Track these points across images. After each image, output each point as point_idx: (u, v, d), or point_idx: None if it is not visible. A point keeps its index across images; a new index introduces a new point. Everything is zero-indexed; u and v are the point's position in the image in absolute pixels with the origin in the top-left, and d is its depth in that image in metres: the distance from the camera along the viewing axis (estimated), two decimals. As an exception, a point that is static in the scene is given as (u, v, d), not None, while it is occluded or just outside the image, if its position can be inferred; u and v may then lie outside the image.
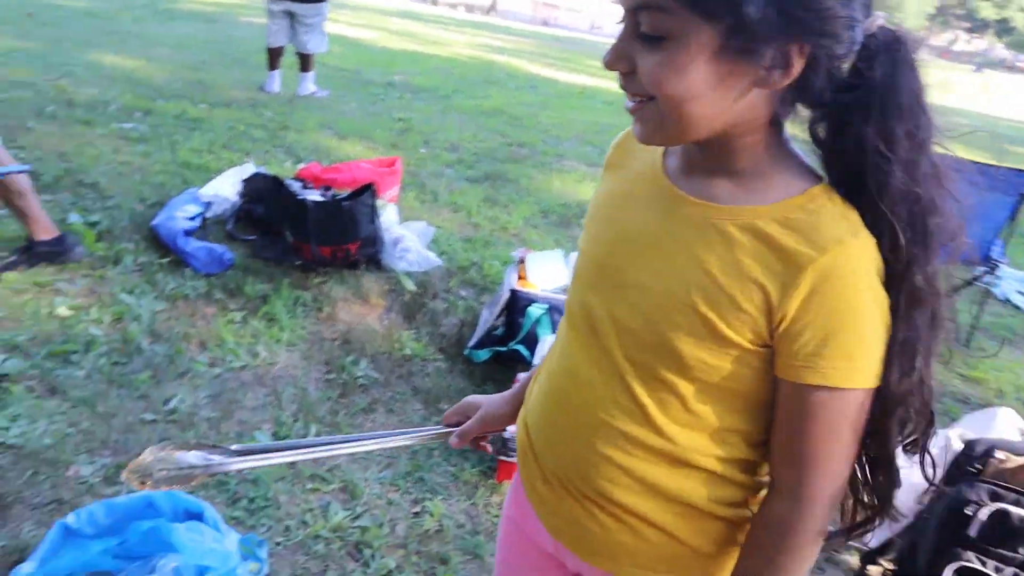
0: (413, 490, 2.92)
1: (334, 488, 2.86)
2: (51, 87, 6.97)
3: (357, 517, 2.74)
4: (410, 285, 4.31)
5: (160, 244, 4.32)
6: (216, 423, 3.05)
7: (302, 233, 4.23)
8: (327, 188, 4.73)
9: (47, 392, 3.08)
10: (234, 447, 1.28)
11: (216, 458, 1.26)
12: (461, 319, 4.10)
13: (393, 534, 2.71)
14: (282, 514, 2.69)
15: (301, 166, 5.64)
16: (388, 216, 4.68)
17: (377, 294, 4.22)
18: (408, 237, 4.61)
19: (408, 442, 1.42)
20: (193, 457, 1.25)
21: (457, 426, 1.42)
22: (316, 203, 4.27)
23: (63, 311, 3.62)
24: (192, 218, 4.46)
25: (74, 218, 4.42)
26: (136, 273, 4.08)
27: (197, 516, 2.28)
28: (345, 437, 1.52)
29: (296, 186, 4.60)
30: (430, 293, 4.30)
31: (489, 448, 1.49)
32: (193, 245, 4.20)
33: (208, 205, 4.65)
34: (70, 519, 2.22)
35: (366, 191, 4.43)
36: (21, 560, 2.29)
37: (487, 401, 1.41)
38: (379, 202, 4.55)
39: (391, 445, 1.42)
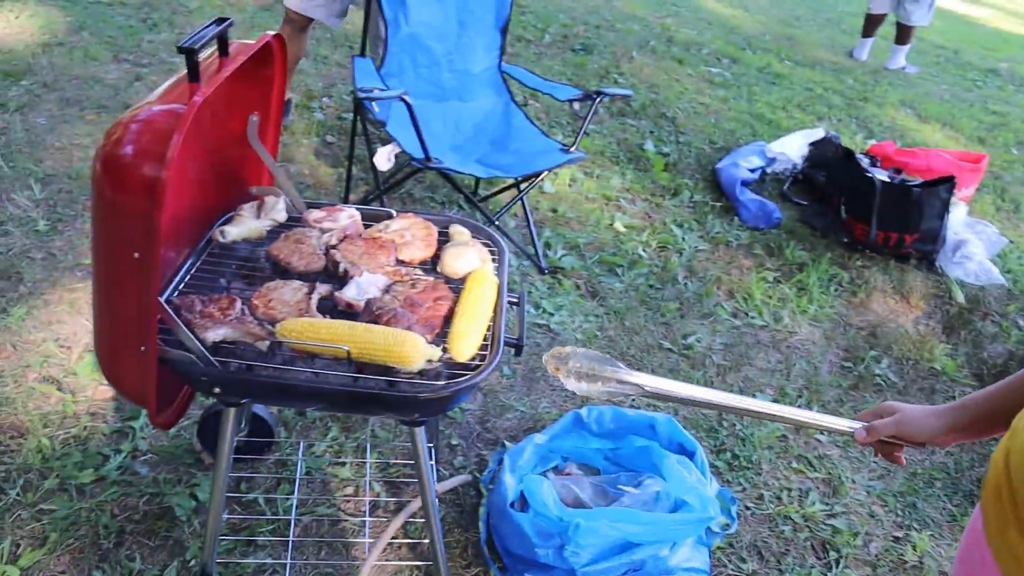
0: (901, 513, 2.61)
1: (818, 477, 2.69)
2: (657, 24, 7.60)
3: (833, 515, 2.55)
4: (960, 296, 3.75)
5: (717, 187, 4.46)
6: (724, 371, 3.08)
7: (860, 211, 3.96)
8: (897, 171, 4.32)
9: (589, 293, 3.44)
10: (648, 387, 1.39)
11: (625, 375, 1.41)
12: (1010, 350, 3.45)
13: (865, 549, 2.46)
14: (760, 481, 2.63)
15: (873, 142, 5.28)
16: (957, 216, 4.11)
17: (920, 295, 3.77)
18: (973, 243, 4.00)
19: (812, 422, 1.40)
20: (608, 366, 1.42)
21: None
22: (884, 183, 3.92)
23: (619, 227, 3.99)
24: (753, 170, 4.50)
25: (649, 146, 4.80)
26: (688, 209, 4.29)
27: (689, 453, 2.34)
28: (750, 401, 1.45)
29: (864, 161, 4.29)
30: (981, 311, 3.69)
31: (902, 459, 1.34)
32: (747, 196, 4.25)
33: (771, 161, 4.64)
34: (583, 412, 2.46)
35: (942, 184, 3.92)
36: (534, 427, 2.67)
37: (909, 408, 1.31)
38: (952, 199, 4.00)
39: (794, 418, 1.40)
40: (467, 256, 1.83)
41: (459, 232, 1.97)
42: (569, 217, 4.00)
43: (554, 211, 4.03)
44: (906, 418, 1.29)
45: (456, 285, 1.79)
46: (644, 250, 3.83)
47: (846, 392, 3.13)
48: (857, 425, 1.35)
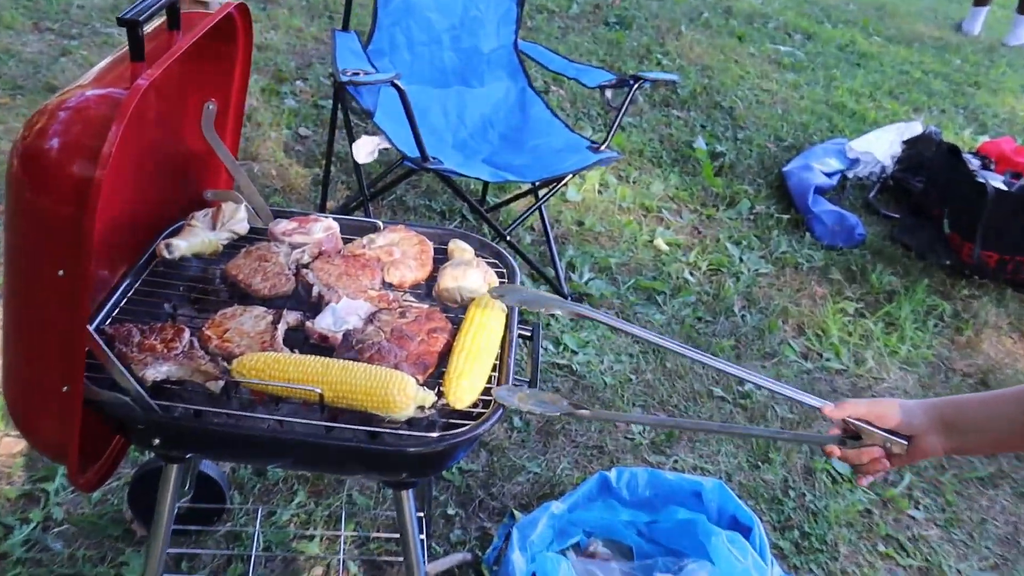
0: (1020, 619, 2.59)
1: (912, 565, 2.67)
2: (714, -8, 7.67)
3: (931, 618, 2.53)
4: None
5: (784, 195, 4.48)
6: (792, 426, 3.07)
7: (967, 226, 3.96)
8: (1016, 175, 4.31)
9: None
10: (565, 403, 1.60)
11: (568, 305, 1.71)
12: None
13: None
14: (837, 568, 2.61)
15: (985, 138, 5.29)
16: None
17: (1044, 335, 3.76)
18: (1117, 269, 3.97)
19: (793, 440, 1.58)
20: (554, 301, 1.70)
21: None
22: (999, 191, 3.92)
23: (661, 244, 4.01)
24: (830, 174, 4.52)
25: (699, 143, 4.84)
26: (748, 222, 4.30)
27: (744, 530, 2.33)
28: (726, 427, 1.66)
29: (974, 163, 4.29)
30: None
31: (884, 464, 1.50)
32: (823, 206, 4.27)
33: (853, 163, 4.65)
34: (611, 475, 2.46)
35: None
36: (551, 493, 2.67)
37: (899, 401, 1.51)
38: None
39: (775, 437, 1.63)
40: (470, 278, 1.84)
41: (460, 249, 1.99)
42: (598, 232, 4.02)
43: (580, 224, 4.06)
44: (885, 401, 1.48)
45: (456, 314, 1.80)
46: (692, 273, 3.84)
47: (948, 457, 3.10)
48: (829, 404, 1.53)
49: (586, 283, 3.64)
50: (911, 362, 3.55)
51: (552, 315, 1.66)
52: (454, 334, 1.71)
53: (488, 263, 1.96)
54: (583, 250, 3.85)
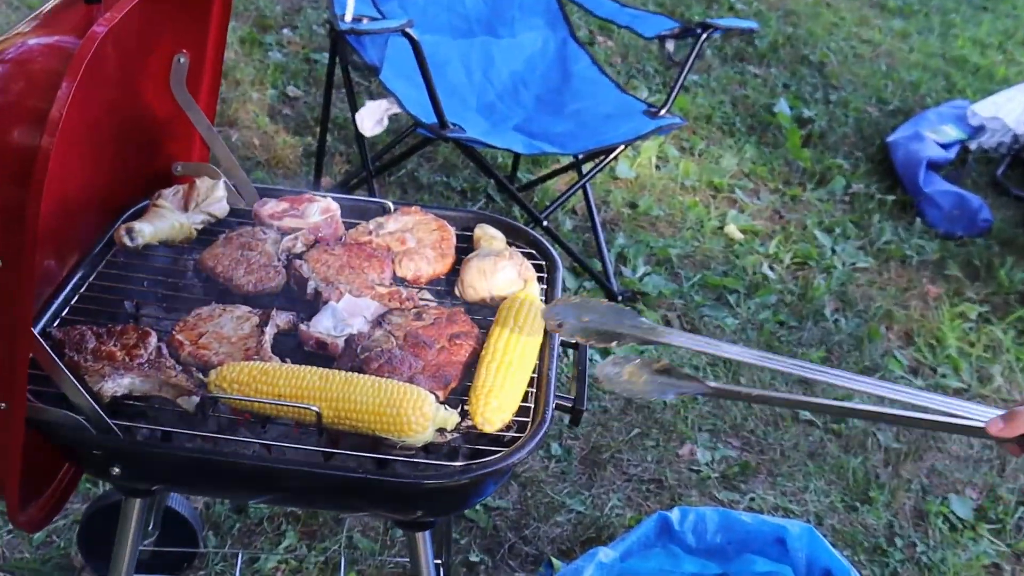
0: None
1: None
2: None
3: None
4: None
5: (889, 171, 4.43)
6: (896, 458, 3.04)
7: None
8: None
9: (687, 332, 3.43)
10: (712, 383, 1.58)
11: (652, 331, 1.64)
12: None
13: None
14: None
15: None
16: None
17: None
18: None
19: (925, 417, 1.50)
20: (627, 320, 1.63)
21: None
22: None
23: (733, 231, 3.98)
24: (947, 145, 4.47)
25: (782, 107, 4.81)
26: (843, 205, 4.26)
27: (839, 584, 2.31)
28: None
29: None
30: None
31: None
32: (937, 185, 4.22)
33: (976, 131, 4.60)
34: (673, 515, 2.44)
35: None
36: (598, 537, 2.66)
37: None
38: None
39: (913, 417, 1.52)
40: (500, 273, 1.84)
41: (489, 236, 1.98)
42: (655, 216, 3.99)
43: (633, 206, 4.04)
44: None
45: (483, 316, 1.79)
46: (772, 268, 3.82)
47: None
48: (993, 413, 1.41)
49: (640, 279, 3.62)
50: (1049, 379, 3.50)
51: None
52: (482, 341, 1.70)
53: (523, 253, 1.94)
54: (637, 238, 3.83)
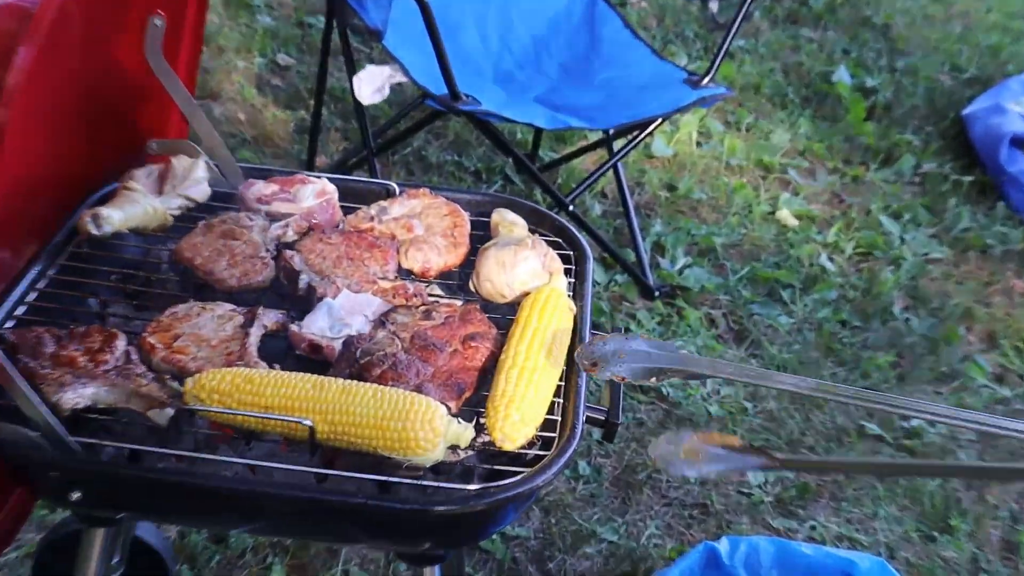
0: None
1: None
2: None
3: None
4: None
5: (966, 148, 4.40)
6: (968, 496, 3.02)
7: None
8: None
9: (732, 334, 3.42)
10: (780, 456, 1.54)
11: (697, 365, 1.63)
12: None
13: None
14: None
15: None
16: None
17: None
18: None
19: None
20: (669, 352, 1.60)
21: None
22: None
23: (787, 217, 3.96)
24: (1035, 117, 4.45)
25: (841, 75, 4.78)
26: (913, 187, 4.24)
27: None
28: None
29: None
30: None
31: None
32: (1023, 164, 4.18)
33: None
34: (722, 546, 2.42)
35: None
36: (633, 572, 2.65)
37: None
38: None
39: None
40: (522, 264, 1.82)
41: (508, 223, 1.96)
42: (697, 200, 3.97)
43: (671, 189, 4.02)
44: None
45: (503, 315, 1.78)
46: (832, 259, 3.79)
47: None
48: None
49: (680, 272, 3.60)
50: None
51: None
52: (501, 343, 1.69)
53: (547, 242, 1.93)
54: (676, 225, 3.82)
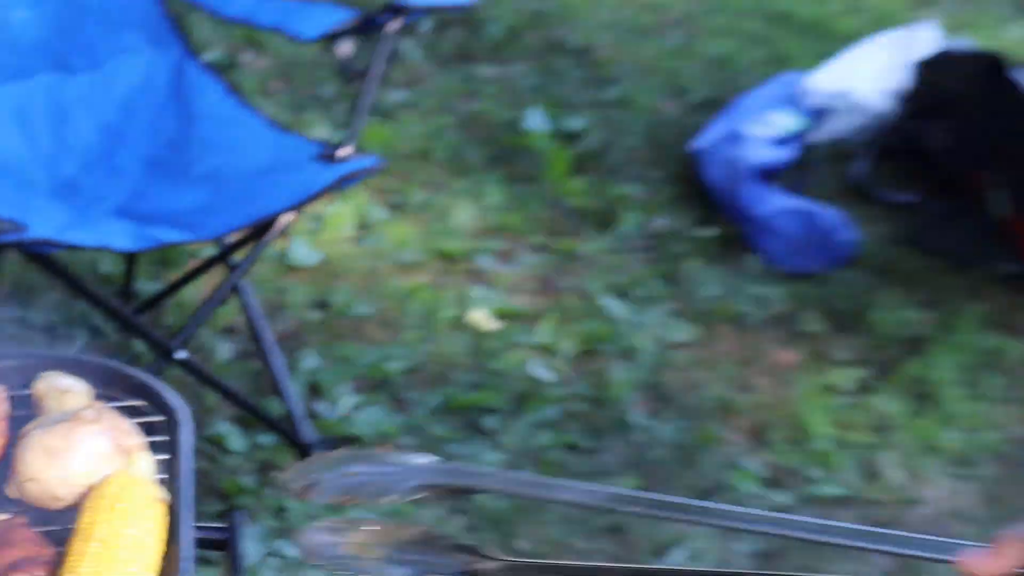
0: None
1: None
2: None
3: None
4: None
5: (700, 189, 4.59)
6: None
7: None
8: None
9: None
10: (495, 558, 1.47)
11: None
12: None
13: None
14: None
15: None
16: None
17: None
18: None
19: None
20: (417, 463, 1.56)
21: None
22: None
23: (481, 318, 4.08)
24: (780, 141, 4.64)
25: (532, 118, 4.94)
26: (641, 253, 4.41)
27: None
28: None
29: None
30: None
31: None
32: (774, 203, 4.37)
33: (817, 115, 4.78)
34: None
35: None
36: None
37: None
38: None
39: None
40: (80, 448, 1.81)
41: (57, 392, 1.97)
42: (361, 316, 4.04)
43: (323, 307, 4.08)
44: None
45: (63, 525, 1.76)
46: (545, 363, 3.90)
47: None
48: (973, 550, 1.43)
49: (347, 417, 3.64)
50: (965, 460, 3.65)
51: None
52: (57, 564, 1.67)
53: (123, 410, 1.94)
54: (335, 355, 3.85)
